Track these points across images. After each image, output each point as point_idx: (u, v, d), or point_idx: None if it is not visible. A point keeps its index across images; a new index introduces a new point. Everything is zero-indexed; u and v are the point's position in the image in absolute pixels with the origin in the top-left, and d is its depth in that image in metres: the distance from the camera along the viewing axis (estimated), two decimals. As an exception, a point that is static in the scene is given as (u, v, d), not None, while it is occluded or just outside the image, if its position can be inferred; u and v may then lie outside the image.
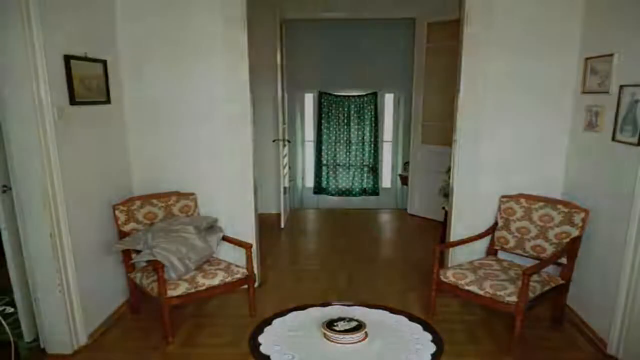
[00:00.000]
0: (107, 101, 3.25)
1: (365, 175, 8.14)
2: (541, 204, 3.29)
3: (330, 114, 7.90)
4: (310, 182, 8.24)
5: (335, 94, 7.82)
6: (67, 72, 2.77)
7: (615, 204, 2.84)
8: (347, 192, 8.16)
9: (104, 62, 3.19)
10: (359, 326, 2.28)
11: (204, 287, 3.04)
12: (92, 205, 3.13)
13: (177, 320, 3.20)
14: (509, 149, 3.52)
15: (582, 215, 3.08)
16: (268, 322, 2.51)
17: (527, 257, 3.33)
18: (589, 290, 3.14)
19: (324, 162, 8.10)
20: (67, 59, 2.77)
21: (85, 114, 3.00)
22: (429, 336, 2.36)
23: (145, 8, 3.39)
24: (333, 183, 8.18)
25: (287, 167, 6.13)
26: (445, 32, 5.18)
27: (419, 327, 2.45)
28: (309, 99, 7.92)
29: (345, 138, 8.01)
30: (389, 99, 7.85)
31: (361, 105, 7.85)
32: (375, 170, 8.08)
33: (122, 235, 3.25)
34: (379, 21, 6.78)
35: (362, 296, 3.67)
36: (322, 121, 7.90)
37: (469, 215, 3.62)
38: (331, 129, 7.98)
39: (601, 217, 3.02)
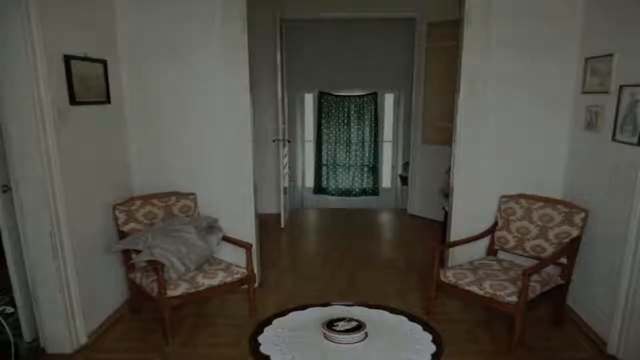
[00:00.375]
0: (107, 101, 3.25)
1: (365, 175, 8.15)
2: (541, 204, 3.29)
3: (330, 114, 7.91)
4: (310, 182, 8.24)
5: (335, 94, 7.82)
6: (67, 72, 2.77)
7: (615, 204, 2.84)
8: (347, 192, 8.16)
9: (104, 62, 3.19)
10: (359, 326, 2.28)
11: (204, 287, 3.04)
12: (92, 205, 3.13)
13: (177, 320, 3.20)
14: (509, 148, 3.52)
15: (582, 215, 3.08)
16: (268, 322, 2.51)
17: (527, 257, 3.33)
18: (589, 290, 3.14)
19: (324, 162, 8.10)
20: (67, 59, 2.77)
21: (85, 114, 3.00)
22: (429, 336, 2.37)
23: (145, 8, 3.39)
24: (333, 183, 8.18)
25: (287, 167, 6.13)
26: (445, 32, 5.18)
27: (419, 327, 2.46)
28: (309, 99, 7.92)
29: (345, 138, 8.01)
30: (389, 99, 7.86)
31: (361, 105, 7.85)
32: (375, 170, 8.09)
33: (122, 235, 3.25)
34: (379, 21, 6.78)
35: (362, 296, 3.67)
36: (322, 121, 7.91)
37: (469, 215, 3.62)
38: (331, 129, 7.99)
39: (601, 217, 3.02)
